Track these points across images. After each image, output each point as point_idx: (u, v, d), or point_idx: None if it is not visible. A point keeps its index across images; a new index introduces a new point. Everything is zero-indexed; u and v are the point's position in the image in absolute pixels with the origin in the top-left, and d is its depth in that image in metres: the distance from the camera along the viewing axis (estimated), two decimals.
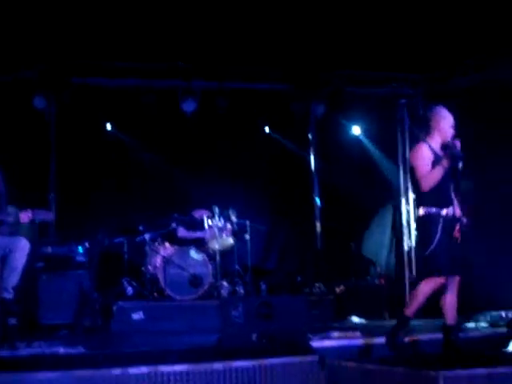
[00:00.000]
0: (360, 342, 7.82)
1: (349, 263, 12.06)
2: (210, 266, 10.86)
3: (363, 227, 13.05)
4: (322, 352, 7.09)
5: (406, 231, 13.42)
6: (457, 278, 6.87)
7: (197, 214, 11.34)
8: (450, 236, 6.66)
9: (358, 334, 8.35)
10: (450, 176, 6.62)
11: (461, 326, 8.64)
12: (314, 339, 7.75)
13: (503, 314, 9.11)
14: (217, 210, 11.30)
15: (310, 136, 12.97)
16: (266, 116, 12.69)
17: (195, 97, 11.90)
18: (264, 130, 12.96)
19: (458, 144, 6.58)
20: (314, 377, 6.16)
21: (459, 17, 10.24)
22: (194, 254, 10.91)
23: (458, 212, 6.79)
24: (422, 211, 6.77)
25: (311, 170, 12.96)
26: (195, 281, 10.72)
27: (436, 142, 6.79)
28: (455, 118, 6.91)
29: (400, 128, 13.65)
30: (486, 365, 5.78)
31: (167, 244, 11.06)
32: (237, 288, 10.99)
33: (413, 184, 6.95)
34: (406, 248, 13.44)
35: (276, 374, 6.00)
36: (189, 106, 11.91)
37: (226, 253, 11.31)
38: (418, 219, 6.88)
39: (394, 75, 12.94)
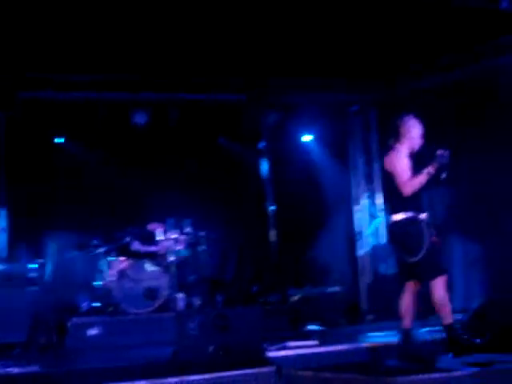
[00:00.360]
0: (317, 350, 7.85)
1: (304, 271, 12.07)
2: (165, 279, 10.79)
3: (318, 234, 13.08)
4: (279, 362, 7.11)
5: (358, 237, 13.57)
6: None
7: (151, 226, 11.27)
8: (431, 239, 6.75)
9: (314, 342, 8.38)
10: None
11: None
12: (270, 349, 7.77)
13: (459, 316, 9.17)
14: (172, 221, 11.24)
15: (262, 144, 12.97)
16: (218, 126, 12.66)
17: (146, 109, 11.86)
18: (216, 140, 12.92)
19: (446, 154, 6.67)
20: None
21: (405, 23, 10.39)
22: (148, 266, 10.82)
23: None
24: (401, 216, 6.84)
25: (264, 179, 12.97)
26: (150, 294, 10.64)
27: (405, 149, 6.93)
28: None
29: (351, 134, 13.80)
30: (442, 370, 5.83)
31: (122, 257, 10.96)
32: (193, 300, 10.92)
33: (388, 190, 7.06)
34: (360, 254, 13.58)
35: None
36: (140, 118, 11.89)
37: (181, 264, 11.24)
38: (397, 224, 6.90)
39: (344, 82, 13.04)
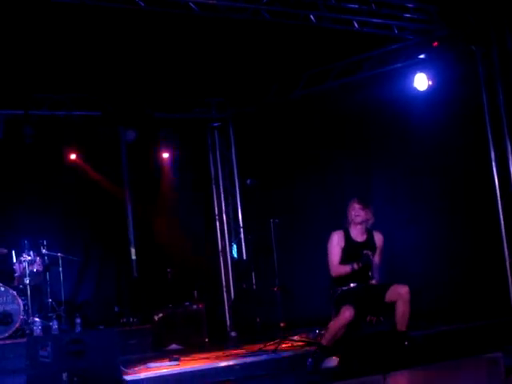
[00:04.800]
0: (177, 371, 7.73)
1: (166, 290, 11.90)
2: (20, 302, 10.37)
3: (180, 251, 12.97)
4: None
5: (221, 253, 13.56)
6: None
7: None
8: None
9: (175, 362, 8.25)
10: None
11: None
12: (130, 371, 7.59)
13: (317, 330, 9.30)
14: (27, 242, 10.82)
15: (121, 162, 12.76)
16: (75, 143, 12.34)
17: None
18: (73, 158, 12.55)
19: (371, 254, 7.30)
20: None
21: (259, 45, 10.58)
22: (2, 290, 10.36)
23: None
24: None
25: (124, 197, 12.76)
26: (5, 318, 10.20)
27: (352, 228, 7.49)
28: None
29: (212, 151, 13.80)
30: None
31: None
32: (51, 323, 10.52)
33: None
34: (223, 270, 13.57)
35: None
36: None
37: (37, 287, 10.83)
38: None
39: (199, 101, 13.13)
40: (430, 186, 11.27)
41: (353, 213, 7.44)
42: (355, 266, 7.23)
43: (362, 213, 7.42)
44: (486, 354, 6.77)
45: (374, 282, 7.33)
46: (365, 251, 7.26)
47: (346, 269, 7.27)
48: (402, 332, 7.03)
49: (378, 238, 7.53)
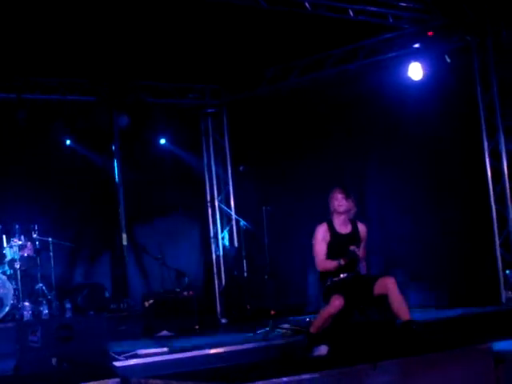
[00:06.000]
0: (166, 358, 7.72)
1: (157, 276, 11.89)
2: (10, 287, 10.34)
3: (171, 238, 12.96)
4: (129, 371, 6.95)
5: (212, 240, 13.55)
6: None
7: None
8: None
9: (165, 349, 8.24)
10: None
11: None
12: (119, 358, 7.57)
13: (307, 319, 9.33)
14: (17, 227, 10.78)
15: (113, 147, 12.71)
16: (70, 128, 12.29)
17: None
18: (67, 143, 12.51)
19: (357, 250, 7.25)
20: None
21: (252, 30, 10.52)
22: None
23: None
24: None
25: (116, 181, 12.72)
26: None
27: (336, 218, 7.41)
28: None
29: (205, 137, 13.77)
30: (289, 373, 5.83)
31: None
32: (41, 308, 10.52)
33: None
34: (214, 257, 13.56)
35: None
36: None
37: (28, 272, 10.80)
38: None
39: (192, 86, 13.09)
40: (423, 175, 11.28)
41: (336, 202, 7.36)
42: (341, 261, 7.19)
43: (344, 202, 7.38)
44: (475, 345, 6.81)
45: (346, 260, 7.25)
46: (351, 247, 7.22)
47: (333, 264, 7.24)
48: (408, 321, 7.01)
49: (362, 229, 7.47)
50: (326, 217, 7.45)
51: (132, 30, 10.28)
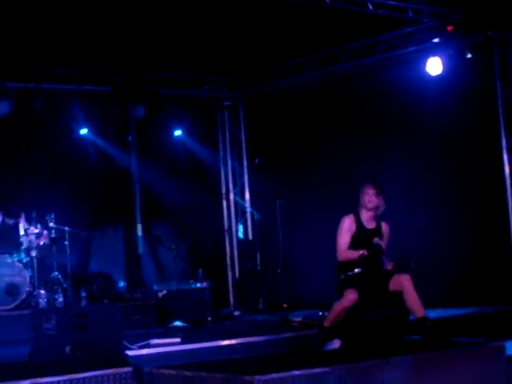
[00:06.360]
0: (179, 348, 7.76)
1: (172, 267, 11.93)
2: (26, 274, 10.41)
3: (185, 229, 13.00)
4: (142, 360, 6.99)
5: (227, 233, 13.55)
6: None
7: None
8: None
9: (177, 340, 8.27)
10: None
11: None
12: (133, 348, 7.61)
13: (320, 313, 9.32)
14: (34, 215, 10.84)
15: (130, 138, 12.75)
16: (84, 118, 12.33)
17: (9, 98, 11.40)
18: (82, 132, 12.54)
19: (380, 243, 7.23)
20: None
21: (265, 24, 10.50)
22: (10, 261, 10.40)
23: None
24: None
25: (132, 172, 12.77)
26: (12, 290, 10.24)
27: (363, 212, 7.35)
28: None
29: (221, 130, 13.77)
30: (301, 367, 5.84)
31: None
32: (56, 296, 10.56)
33: None
34: (228, 250, 13.58)
35: None
36: (3, 108, 11.40)
37: (44, 260, 10.87)
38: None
39: (208, 78, 13.09)
40: (440, 171, 11.23)
41: (366, 198, 7.31)
42: (364, 252, 7.16)
43: (374, 199, 7.33)
44: (488, 343, 6.79)
45: (389, 267, 7.27)
46: (375, 239, 7.20)
47: (355, 254, 7.21)
48: (422, 318, 7.00)
49: (385, 228, 7.44)
50: (354, 209, 7.39)
51: (148, 22, 10.30)
